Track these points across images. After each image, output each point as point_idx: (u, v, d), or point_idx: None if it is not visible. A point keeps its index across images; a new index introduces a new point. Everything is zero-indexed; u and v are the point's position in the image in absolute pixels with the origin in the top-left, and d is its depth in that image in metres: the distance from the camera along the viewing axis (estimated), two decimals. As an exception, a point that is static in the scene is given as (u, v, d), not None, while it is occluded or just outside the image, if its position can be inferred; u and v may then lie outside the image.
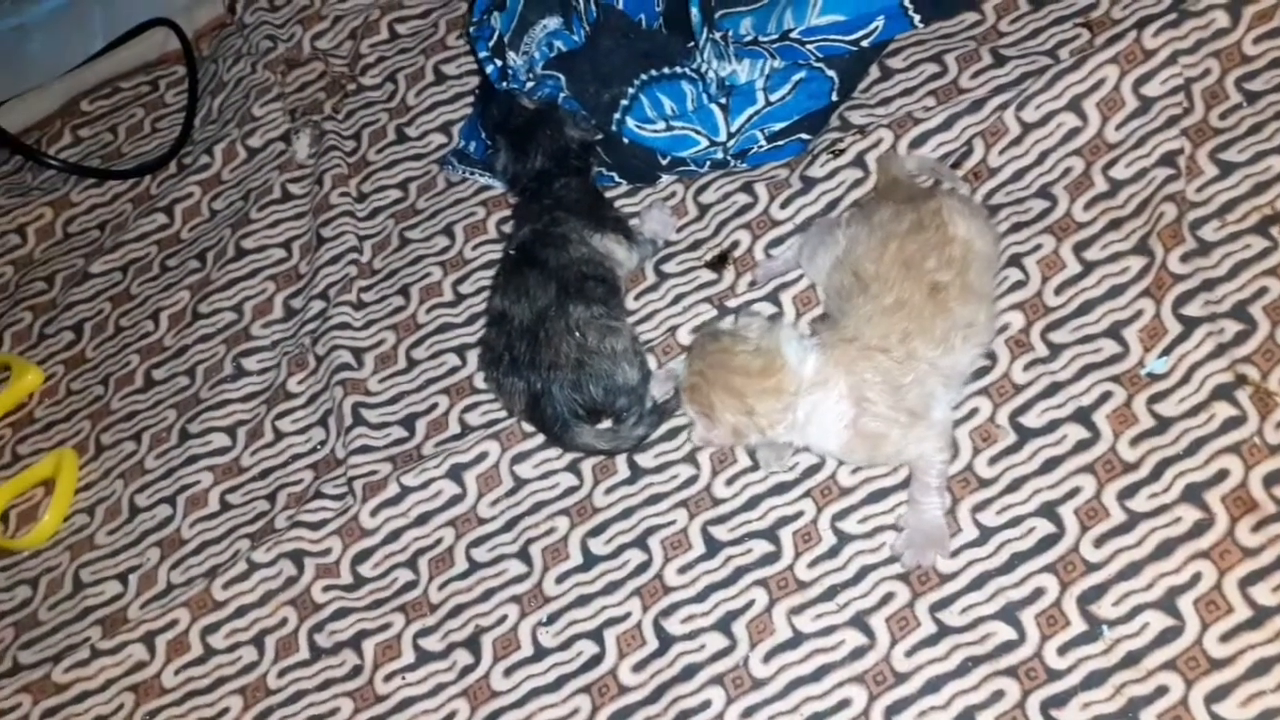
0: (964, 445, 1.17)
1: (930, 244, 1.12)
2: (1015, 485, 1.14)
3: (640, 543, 1.24)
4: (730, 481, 1.24)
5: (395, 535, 1.33)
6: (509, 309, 1.31)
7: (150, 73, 1.90)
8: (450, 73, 1.67)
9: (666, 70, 1.42)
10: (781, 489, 1.21)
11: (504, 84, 1.45)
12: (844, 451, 1.12)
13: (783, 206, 1.38)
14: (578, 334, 1.26)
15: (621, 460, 1.29)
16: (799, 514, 1.19)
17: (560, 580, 1.25)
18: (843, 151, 1.38)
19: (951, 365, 1.11)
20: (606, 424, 1.30)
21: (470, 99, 1.63)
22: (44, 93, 1.94)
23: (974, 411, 1.18)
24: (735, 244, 1.39)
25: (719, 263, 1.39)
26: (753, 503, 1.22)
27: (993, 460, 1.16)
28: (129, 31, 1.95)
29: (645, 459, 1.28)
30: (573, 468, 1.31)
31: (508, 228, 1.49)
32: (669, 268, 1.41)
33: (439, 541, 1.31)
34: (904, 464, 1.15)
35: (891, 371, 1.08)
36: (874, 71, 1.44)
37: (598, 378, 1.25)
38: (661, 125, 1.39)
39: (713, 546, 1.21)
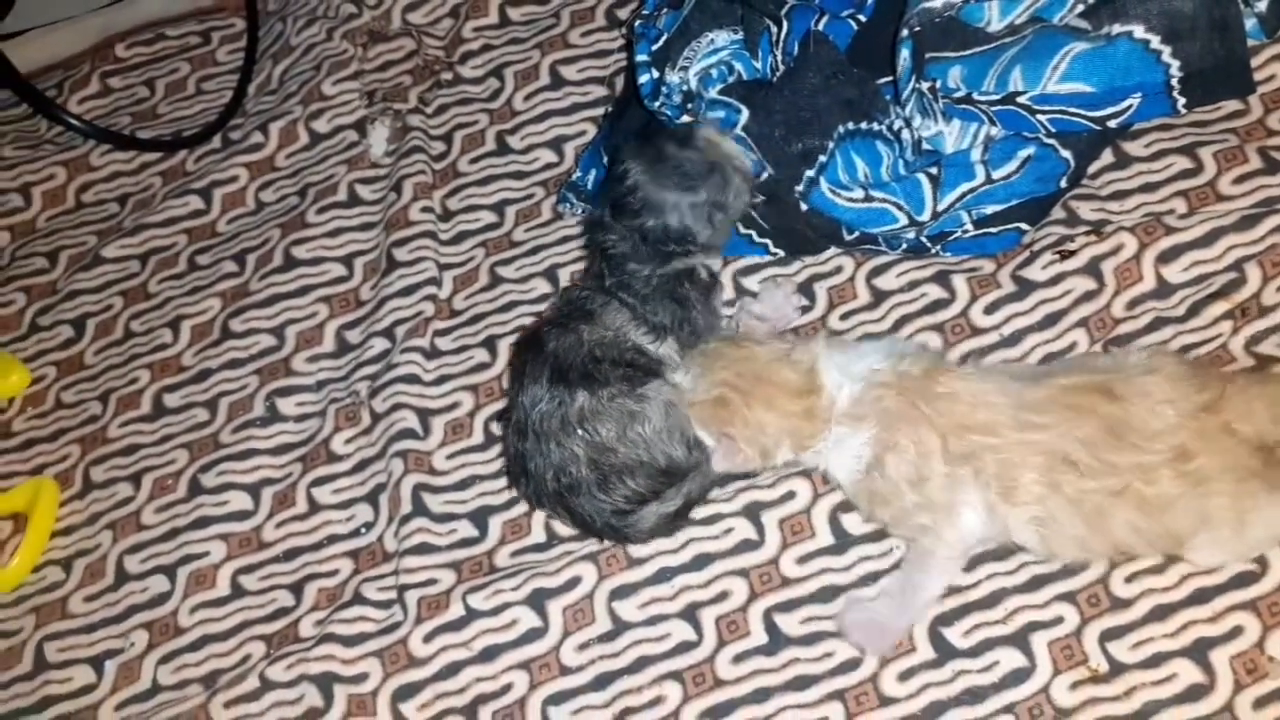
0: None
1: (1150, 443, 0.87)
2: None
3: (782, 743, 0.95)
4: (903, 677, 0.95)
5: (452, 670, 1.04)
6: (513, 398, 1.06)
7: (203, 21, 1.59)
8: (570, 77, 1.37)
9: (864, 125, 1.12)
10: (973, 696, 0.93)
11: (655, 103, 1.15)
12: (851, 493, 0.99)
13: (988, 311, 1.11)
14: (581, 430, 0.99)
15: (757, 620, 1.00)
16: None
17: (670, 778, 0.97)
18: (1073, 253, 1.10)
19: (1005, 516, 0.91)
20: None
21: (587, 115, 1.34)
22: (73, 27, 1.64)
23: None
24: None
25: (896, 371, 1.10)
26: (934, 712, 0.93)
27: None
28: (184, -32, 1.64)
29: (789, 623, 1.00)
30: (689, 615, 1.02)
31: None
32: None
33: (507, 689, 1.03)
34: (902, 539, 0.98)
35: (931, 456, 0.91)
36: (1106, 155, 1.16)
37: (632, 470, 1.00)
38: (859, 194, 1.09)
39: (881, 767, 0.93)
